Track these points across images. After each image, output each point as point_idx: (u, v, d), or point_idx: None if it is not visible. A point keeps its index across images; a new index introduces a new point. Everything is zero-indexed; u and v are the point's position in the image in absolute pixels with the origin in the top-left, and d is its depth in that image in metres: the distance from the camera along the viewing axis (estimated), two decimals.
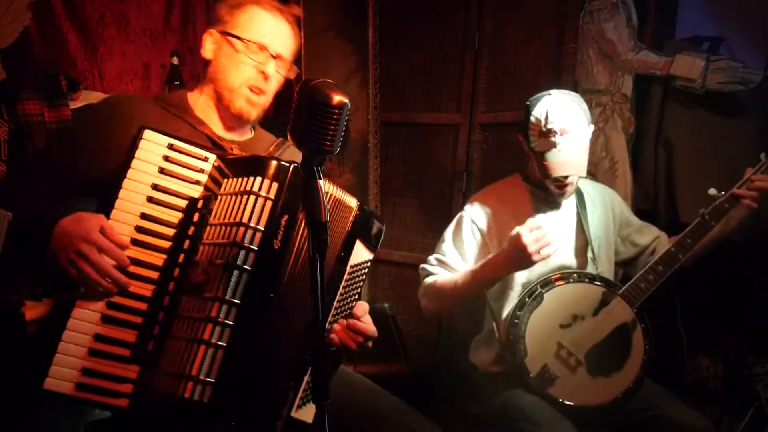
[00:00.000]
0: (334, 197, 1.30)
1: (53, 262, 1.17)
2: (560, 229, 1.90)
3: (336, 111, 0.97)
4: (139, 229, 1.19)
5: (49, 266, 1.17)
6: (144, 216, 1.20)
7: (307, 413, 1.32)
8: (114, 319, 1.17)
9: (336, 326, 1.32)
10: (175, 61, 2.52)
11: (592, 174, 2.41)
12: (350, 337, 1.33)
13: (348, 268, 1.33)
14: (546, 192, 1.93)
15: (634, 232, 2.04)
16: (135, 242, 1.19)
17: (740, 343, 2.35)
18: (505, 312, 1.87)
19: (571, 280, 1.81)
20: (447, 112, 2.87)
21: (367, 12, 2.83)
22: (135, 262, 1.18)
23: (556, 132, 1.77)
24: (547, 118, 1.78)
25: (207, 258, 1.18)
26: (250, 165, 1.20)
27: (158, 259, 1.20)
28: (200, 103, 1.51)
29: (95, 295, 1.16)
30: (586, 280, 1.82)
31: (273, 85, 1.49)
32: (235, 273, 1.14)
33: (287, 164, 1.19)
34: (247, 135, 1.59)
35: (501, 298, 1.91)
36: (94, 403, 1.15)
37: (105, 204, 1.19)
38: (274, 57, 1.45)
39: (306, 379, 1.27)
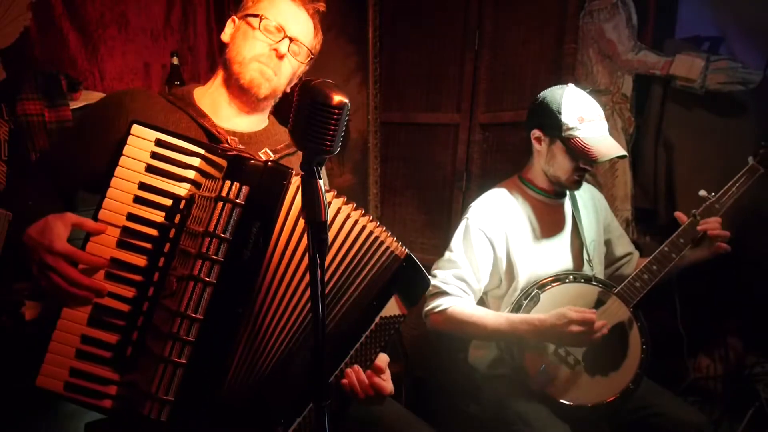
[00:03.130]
0: (383, 243, 1.24)
1: (29, 269, 1.14)
2: (557, 235, 1.92)
3: (336, 111, 0.96)
4: (125, 230, 1.15)
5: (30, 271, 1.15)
6: (130, 216, 1.16)
7: None
8: (99, 321, 1.14)
9: (350, 371, 1.23)
10: (176, 61, 2.52)
11: (592, 174, 2.41)
12: (362, 387, 1.23)
13: (377, 318, 1.25)
14: (545, 195, 1.93)
15: (614, 240, 2.07)
16: (120, 243, 1.15)
17: (740, 343, 2.35)
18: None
19: (567, 281, 1.82)
20: (447, 112, 2.86)
21: (367, 12, 2.83)
22: (120, 264, 1.15)
23: (598, 117, 1.81)
24: (584, 105, 1.81)
25: (179, 266, 1.14)
26: (228, 165, 1.15)
27: (142, 261, 1.17)
28: (207, 94, 1.48)
29: (74, 301, 1.13)
30: (582, 280, 1.83)
31: (286, 68, 1.47)
32: (198, 286, 1.10)
33: (262, 165, 1.14)
34: (257, 126, 1.53)
35: (500, 300, 1.91)
36: (80, 403, 1.15)
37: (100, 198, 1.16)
38: (290, 38, 1.44)
39: (299, 420, 1.21)
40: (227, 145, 1.35)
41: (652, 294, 1.82)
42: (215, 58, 2.82)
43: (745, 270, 2.23)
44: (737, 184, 1.82)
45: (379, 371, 1.26)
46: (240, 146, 1.38)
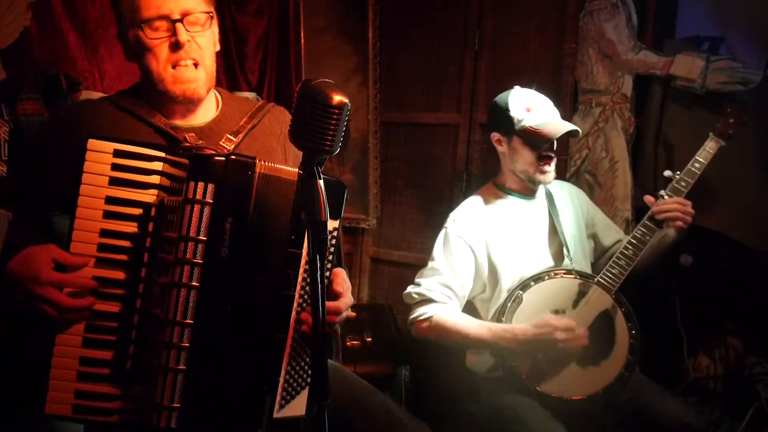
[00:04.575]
0: (263, 174, 1.16)
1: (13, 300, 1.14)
2: (536, 234, 1.95)
3: (336, 111, 0.97)
4: (102, 247, 1.14)
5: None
6: (103, 232, 1.14)
7: (294, 408, 1.26)
8: (93, 340, 1.15)
9: (304, 314, 1.22)
10: None
11: (592, 174, 2.42)
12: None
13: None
14: (520, 196, 1.97)
15: (599, 232, 2.09)
16: (100, 261, 1.14)
17: (740, 343, 2.35)
18: (490, 319, 1.89)
19: (547, 278, 1.84)
20: (447, 112, 2.87)
21: (367, 12, 2.83)
22: (102, 280, 1.14)
23: (544, 105, 1.91)
24: (529, 98, 1.92)
25: (161, 274, 1.14)
26: (190, 164, 1.12)
27: (122, 275, 1.16)
28: (152, 93, 1.40)
29: (67, 325, 1.14)
30: (562, 275, 1.85)
31: (198, 49, 1.34)
32: (183, 292, 1.10)
33: (224, 160, 1.12)
34: (210, 114, 1.46)
35: (488, 304, 1.93)
36: (90, 422, 1.17)
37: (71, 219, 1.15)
38: (179, 20, 1.31)
39: (282, 375, 1.22)
40: (187, 144, 1.32)
41: (652, 294, 1.82)
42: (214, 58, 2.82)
43: (744, 269, 2.23)
44: (699, 160, 1.86)
45: (339, 291, 1.28)
46: (200, 142, 1.35)
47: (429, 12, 2.89)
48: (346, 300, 1.32)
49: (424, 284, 1.90)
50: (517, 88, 1.94)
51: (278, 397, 1.22)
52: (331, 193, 1.22)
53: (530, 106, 1.88)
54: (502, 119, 1.91)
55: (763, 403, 2.18)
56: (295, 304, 1.22)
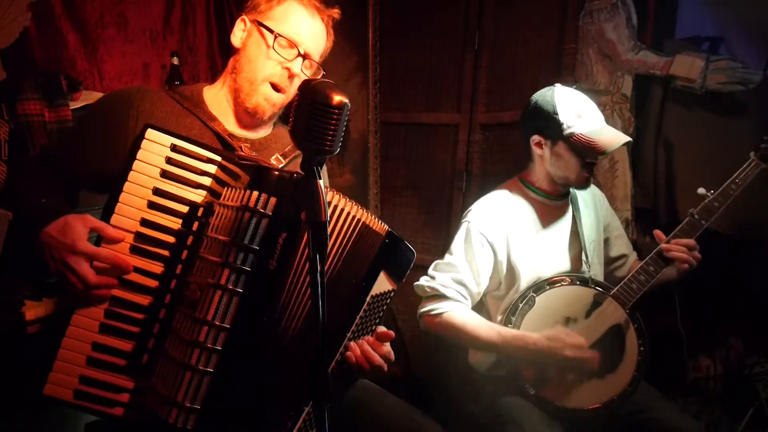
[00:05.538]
0: (363, 223, 1.22)
1: (44, 267, 1.13)
2: (558, 237, 1.91)
3: (336, 111, 0.97)
4: (139, 236, 1.14)
5: (43, 270, 1.14)
6: (144, 222, 1.14)
7: None
8: (112, 328, 1.13)
9: (354, 345, 1.25)
10: (175, 61, 2.52)
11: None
12: (367, 358, 1.25)
13: (368, 298, 1.25)
14: (547, 196, 1.92)
15: (611, 239, 2.05)
16: (134, 249, 1.13)
17: (740, 343, 2.35)
18: (500, 317, 1.87)
19: (563, 284, 1.81)
20: (447, 112, 2.86)
21: (367, 12, 2.83)
22: (135, 270, 1.14)
23: (593, 110, 1.81)
24: (578, 101, 1.80)
25: (201, 274, 1.13)
26: (251, 174, 1.14)
27: (157, 268, 1.15)
28: (217, 97, 1.46)
29: (89, 302, 1.12)
30: (578, 282, 1.82)
31: (294, 85, 1.43)
32: (226, 295, 1.09)
33: (288, 176, 1.12)
34: (264, 132, 1.52)
35: (500, 301, 1.90)
36: (90, 411, 1.14)
37: (112, 202, 1.15)
38: (302, 56, 1.41)
39: (308, 409, 1.20)
40: (242, 153, 1.34)
41: (652, 294, 1.81)
42: (215, 58, 2.82)
43: (745, 269, 2.23)
44: (737, 181, 1.78)
45: (385, 337, 1.28)
46: (253, 154, 1.37)
47: (429, 12, 2.89)
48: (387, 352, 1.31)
49: (439, 279, 1.84)
50: (559, 87, 1.83)
51: (296, 428, 1.20)
52: (401, 258, 1.29)
53: (581, 112, 1.77)
54: (546, 123, 1.79)
55: (763, 403, 2.18)
56: (341, 347, 1.23)
